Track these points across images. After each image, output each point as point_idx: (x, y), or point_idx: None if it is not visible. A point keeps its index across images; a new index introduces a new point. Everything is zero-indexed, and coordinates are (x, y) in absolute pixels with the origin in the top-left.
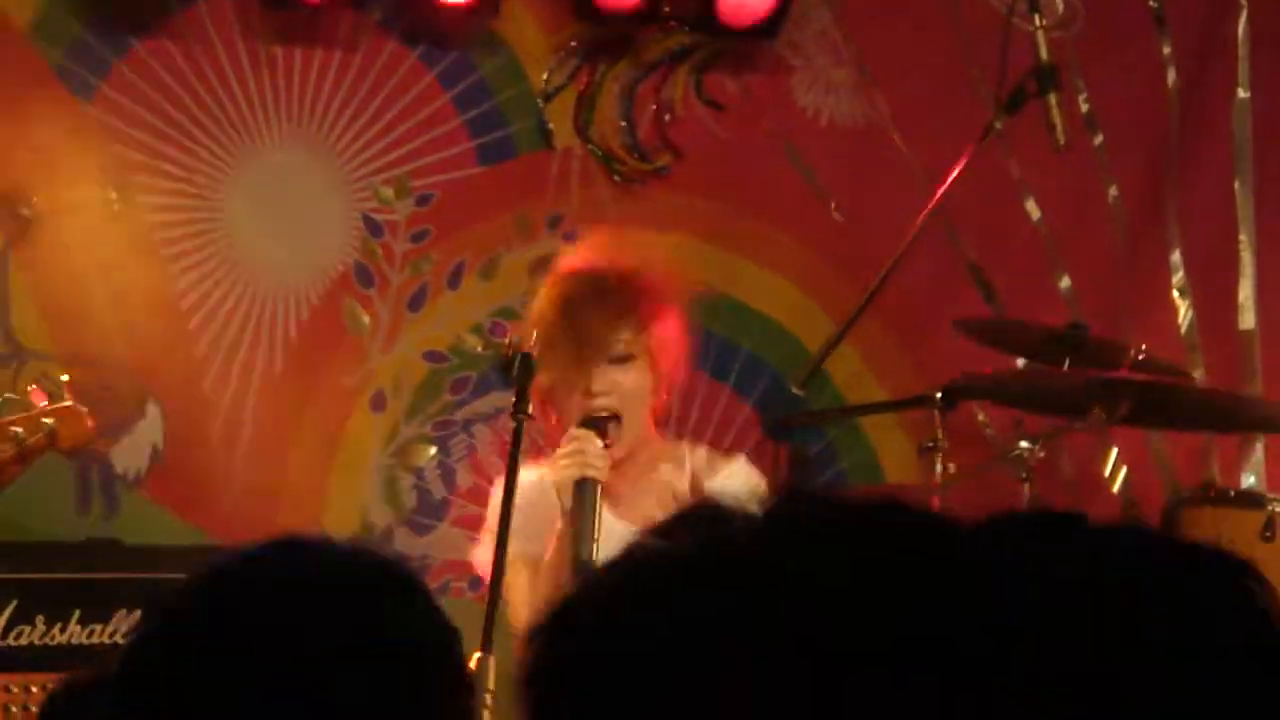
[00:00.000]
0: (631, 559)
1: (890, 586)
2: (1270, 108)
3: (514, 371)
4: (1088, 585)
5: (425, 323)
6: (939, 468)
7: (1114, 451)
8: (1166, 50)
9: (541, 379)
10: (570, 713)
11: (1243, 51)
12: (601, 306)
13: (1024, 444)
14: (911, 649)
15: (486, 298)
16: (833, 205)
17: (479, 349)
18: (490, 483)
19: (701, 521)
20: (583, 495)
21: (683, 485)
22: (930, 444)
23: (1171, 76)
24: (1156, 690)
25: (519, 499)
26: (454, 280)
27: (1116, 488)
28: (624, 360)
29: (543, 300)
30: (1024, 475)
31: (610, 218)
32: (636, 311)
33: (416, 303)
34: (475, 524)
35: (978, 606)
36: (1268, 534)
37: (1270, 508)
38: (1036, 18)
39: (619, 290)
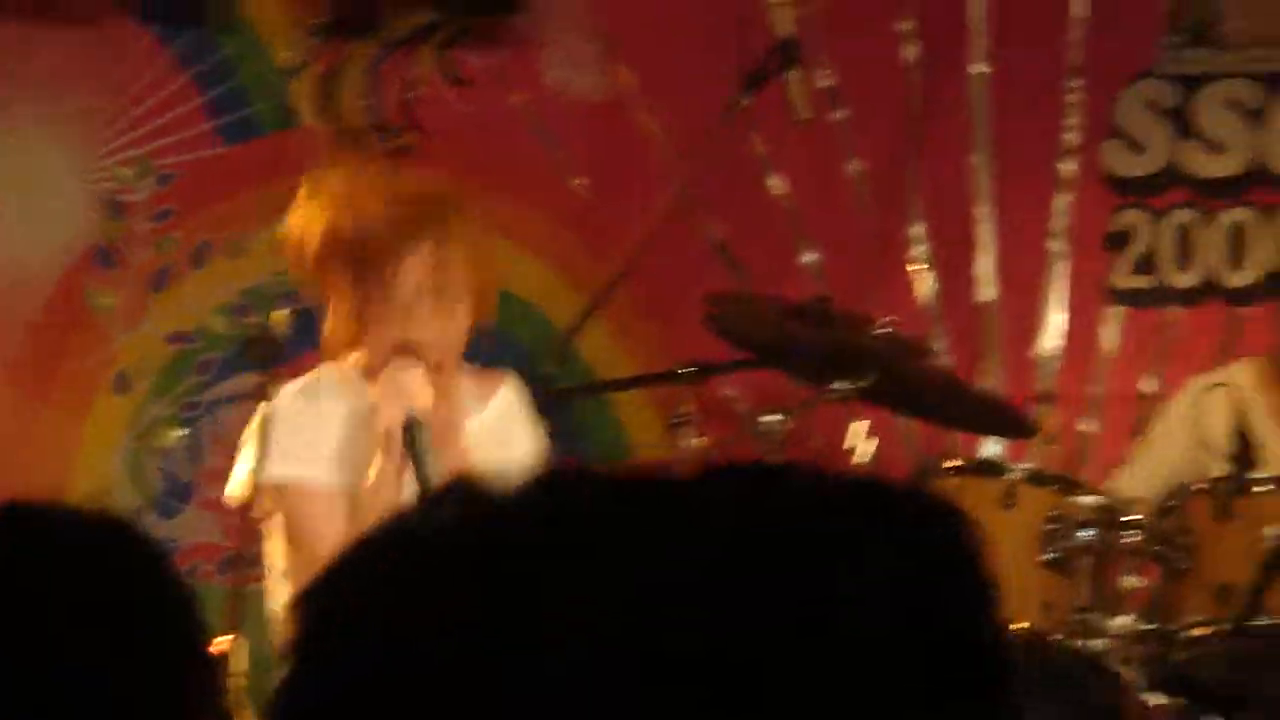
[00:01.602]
0: (382, 543)
1: (555, 558)
2: (1006, 82)
3: (265, 370)
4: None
5: (170, 304)
6: (687, 443)
7: (860, 423)
8: (905, 26)
9: (348, 306)
10: (300, 691)
11: (979, 27)
12: (426, 223)
13: (768, 417)
14: (562, 624)
15: (233, 278)
16: (576, 181)
17: (226, 330)
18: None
19: (457, 502)
20: (412, 432)
21: (481, 399)
22: (679, 418)
23: (908, 52)
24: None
25: (316, 415)
26: (199, 260)
27: (864, 457)
28: (448, 300)
29: (352, 229)
30: (774, 447)
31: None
32: (459, 231)
33: (160, 283)
34: (223, 506)
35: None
36: (1009, 501)
37: (1009, 476)
38: None
39: (441, 206)
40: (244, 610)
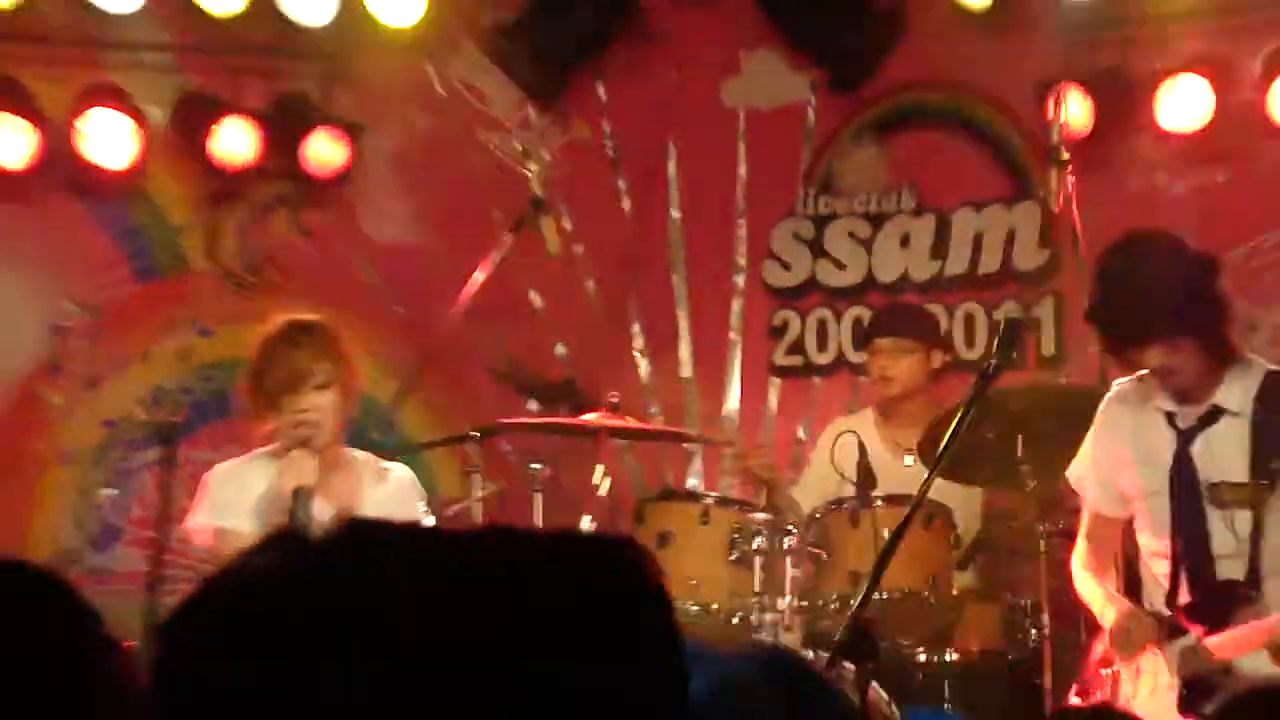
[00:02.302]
0: (217, 581)
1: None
2: (694, 222)
3: (167, 447)
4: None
5: (101, 399)
6: (477, 487)
7: (601, 467)
8: (622, 184)
9: (254, 398)
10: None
11: (674, 184)
12: (302, 348)
13: (535, 465)
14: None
15: (145, 379)
16: (393, 303)
17: (142, 416)
18: (151, 516)
19: (275, 548)
20: (299, 498)
21: (359, 478)
22: (470, 468)
23: (626, 203)
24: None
25: (239, 482)
26: (120, 367)
27: (603, 492)
28: (324, 387)
29: (259, 349)
30: (536, 488)
31: (234, 318)
32: (331, 349)
33: (93, 384)
34: (145, 545)
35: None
36: (705, 519)
37: (704, 501)
38: (532, 165)
39: (312, 335)
40: (159, 618)
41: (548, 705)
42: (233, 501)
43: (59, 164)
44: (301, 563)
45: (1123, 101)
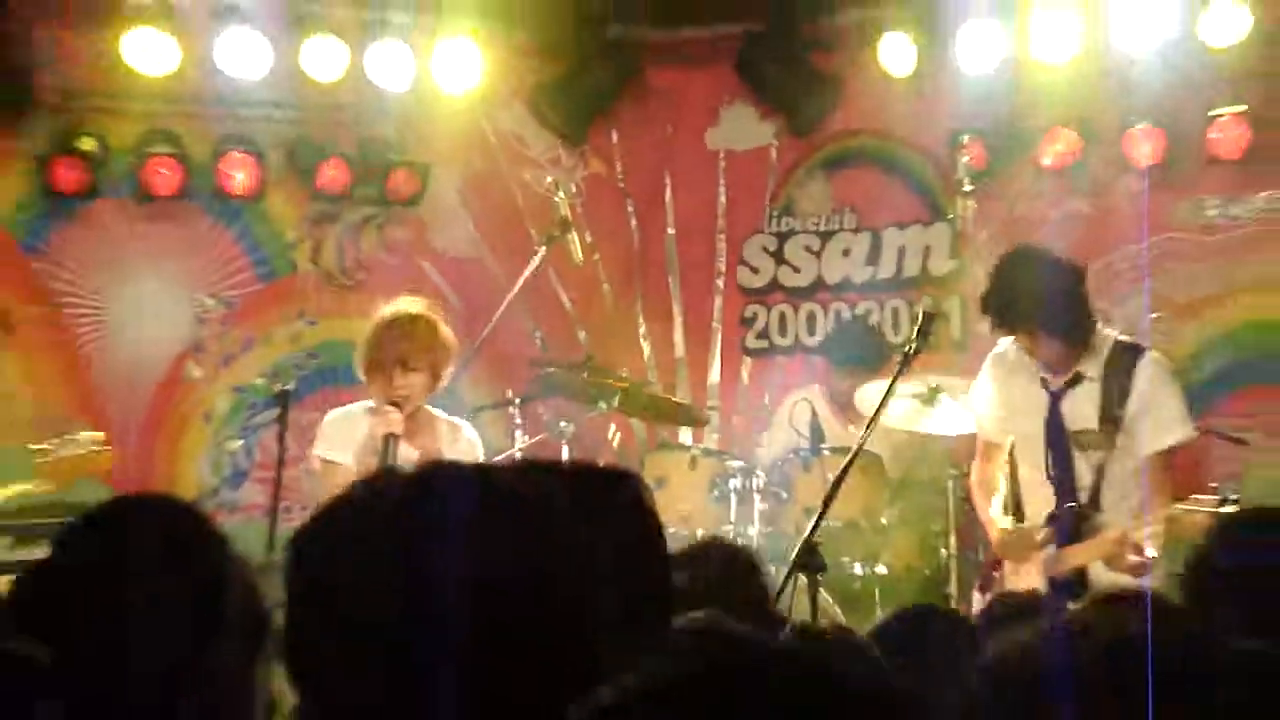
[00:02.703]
0: (344, 501)
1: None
2: (685, 237)
3: (283, 408)
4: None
5: (231, 373)
6: (519, 441)
7: (613, 425)
8: (630, 209)
9: (371, 373)
10: (300, 587)
11: (670, 205)
12: (405, 338)
13: (563, 424)
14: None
15: (265, 358)
16: (453, 299)
17: (263, 385)
18: (272, 461)
19: (385, 477)
20: (387, 444)
21: (436, 430)
22: (515, 425)
23: (633, 223)
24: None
25: (346, 426)
26: (247, 347)
27: (615, 445)
28: (416, 369)
29: (373, 330)
30: (565, 442)
31: (332, 311)
32: (426, 339)
33: (226, 362)
34: (268, 484)
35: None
36: (693, 465)
37: (692, 452)
38: (560, 194)
39: (414, 327)
40: (276, 538)
41: (571, 569)
42: (337, 441)
43: (200, 193)
44: (398, 490)
45: (1012, 147)
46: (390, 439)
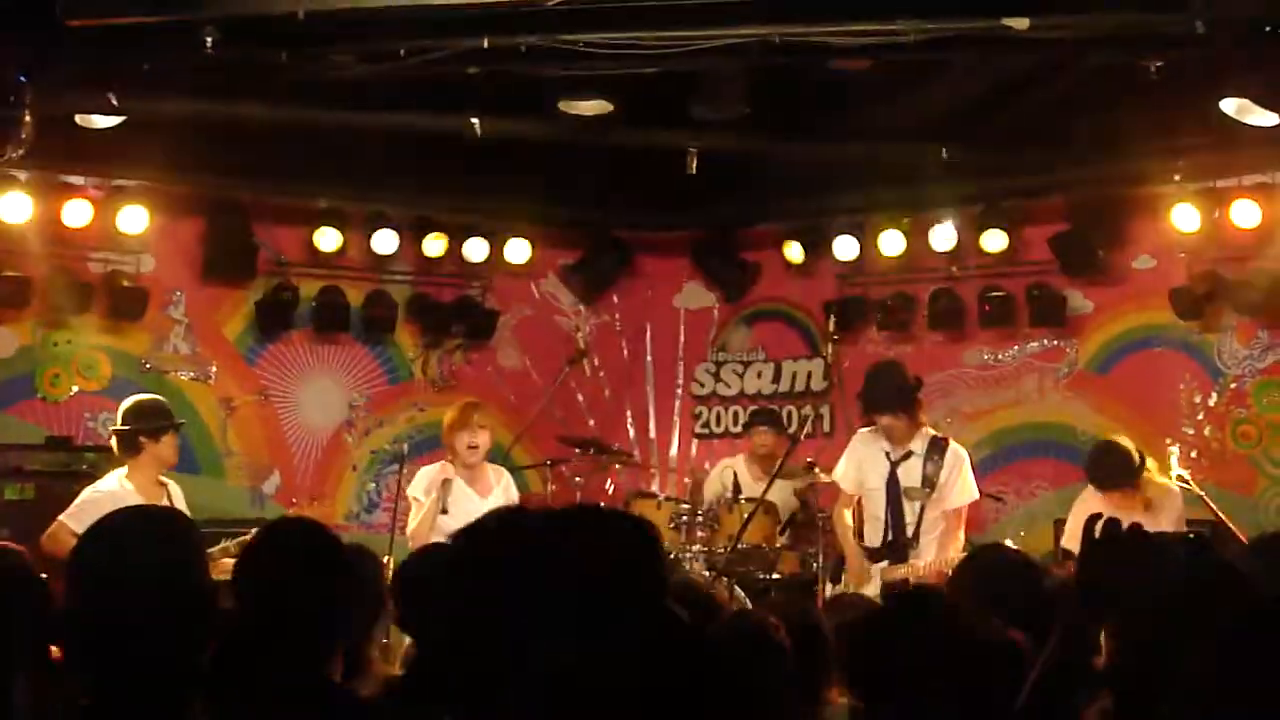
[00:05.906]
0: (481, 526)
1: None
2: (658, 364)
3: (400, 464)
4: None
5: (370, 440)
6: (548, 489)
7: (609, 479)
8: (623, 344)
9: (449, 438)
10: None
11: (649, 343)
12: (472, 414)
13: (577, 479)
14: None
15: (391, 431)
16: (510, 396)
17: (390, 448)
18: (393, 497)
19: (492, 519)
20: (444, 485)
21: (488, 478)
22: (547, 478)
23: (625, 353)
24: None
25: (424, 477)
26: (380, 426)
27: (610, 492)
28: (483, 428)
29: (455, 414)
30: (578, 489)
31: (434, 404)
32: (485, 415)
33: (365, 434)
34: (389, 512)
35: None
36: (659, 507)
37: (658, 499)
38: (579, 333)
39: (480, 408)
40: (394, 545)
41: (594, 581)
42: (420, 486)
43: (355, 327)
44: (477, 531)
45: (865, 314)
46: (446, 483)
